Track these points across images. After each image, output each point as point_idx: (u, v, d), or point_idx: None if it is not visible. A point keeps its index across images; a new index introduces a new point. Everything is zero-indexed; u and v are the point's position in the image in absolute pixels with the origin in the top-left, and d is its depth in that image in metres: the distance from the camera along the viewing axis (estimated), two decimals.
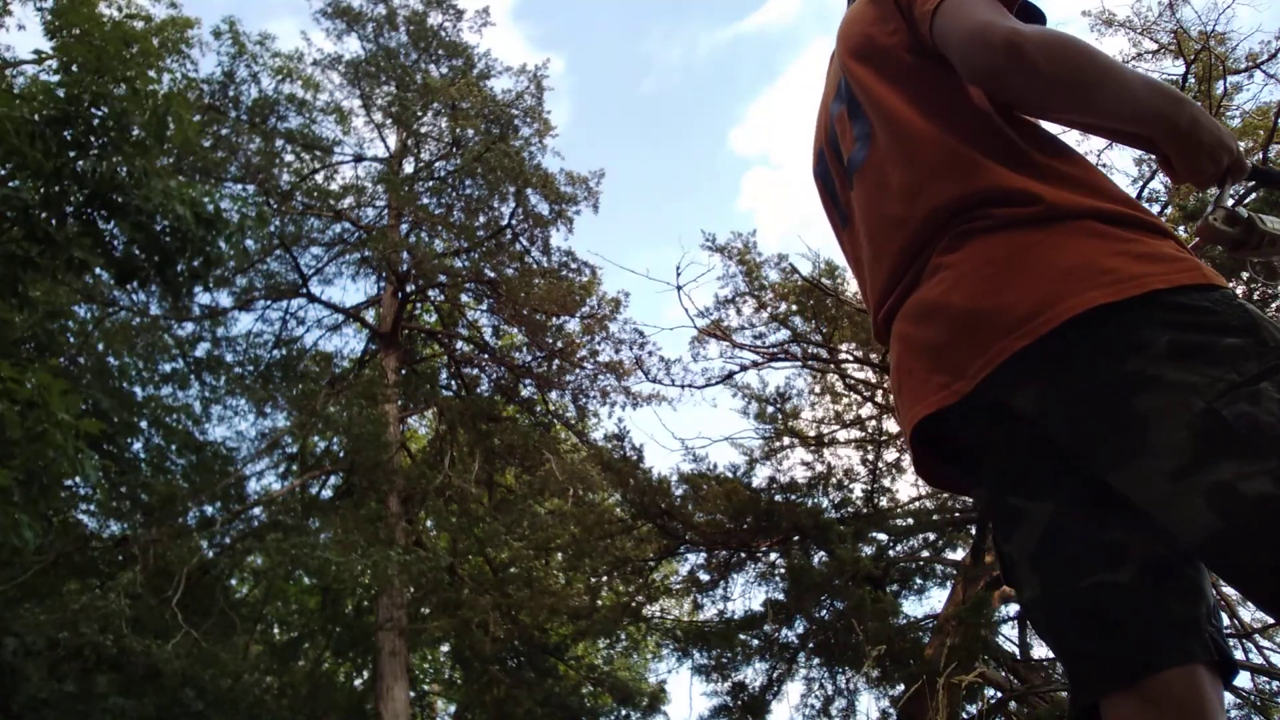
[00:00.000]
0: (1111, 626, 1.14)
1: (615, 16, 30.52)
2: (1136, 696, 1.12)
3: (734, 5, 42.41)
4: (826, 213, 1.58)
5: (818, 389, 11.24)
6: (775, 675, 10.05)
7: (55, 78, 5.77)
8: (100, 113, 5.53)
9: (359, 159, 15.25)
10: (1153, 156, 1.35)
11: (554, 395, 14.50)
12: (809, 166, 1.64)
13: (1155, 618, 1.13)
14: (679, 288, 9.69)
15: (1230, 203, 1.35)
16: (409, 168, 15.40)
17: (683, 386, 10.97)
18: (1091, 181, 1.24)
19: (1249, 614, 7.95)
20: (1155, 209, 8.41)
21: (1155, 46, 8.88)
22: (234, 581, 12.88)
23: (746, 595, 13.13)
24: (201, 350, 13.71)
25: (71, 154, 5.56)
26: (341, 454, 12.72)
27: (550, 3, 31.73)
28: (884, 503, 10.43)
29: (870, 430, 10.69)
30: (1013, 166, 1.23)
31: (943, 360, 1.23)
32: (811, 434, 10.81)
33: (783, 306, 10.01)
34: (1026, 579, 1.24)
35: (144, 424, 12.28)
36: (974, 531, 9.02)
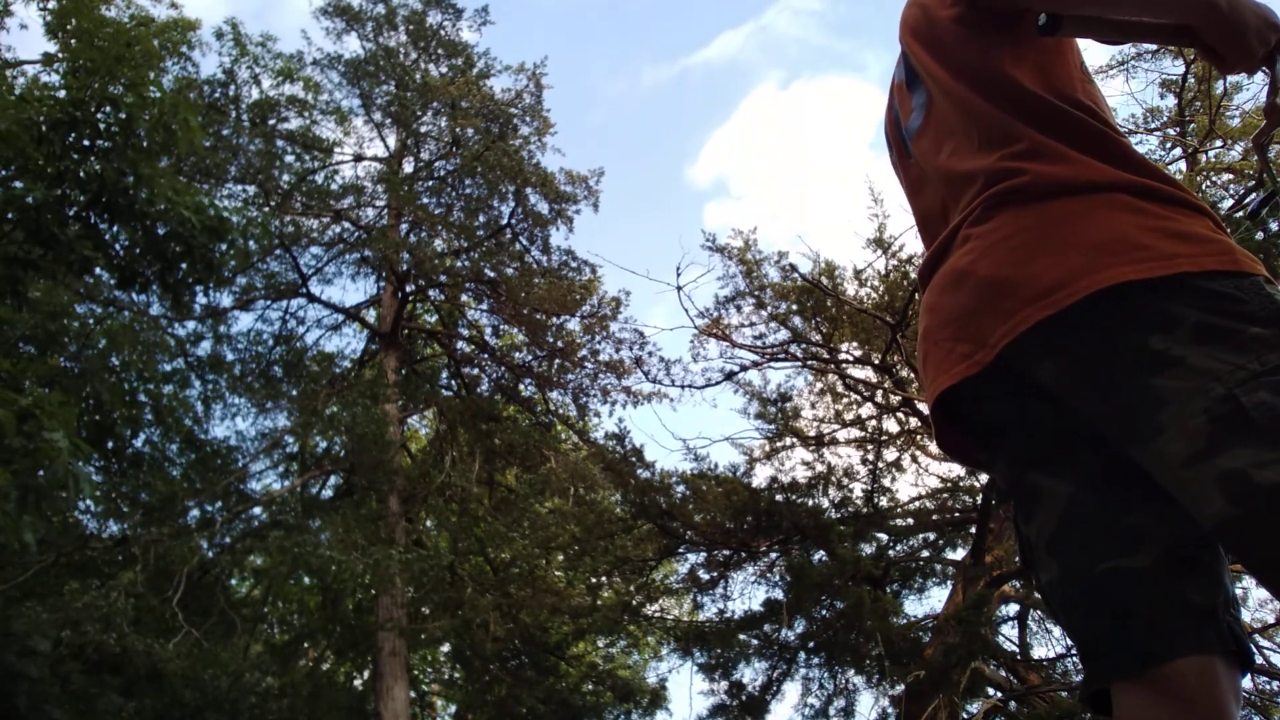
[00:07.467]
0: (1125, 613, 1.13)
1: (559, 50, 30.77)
2: (1148, 685, 1.10)
3: (680, 41, 42.70)
4: (899, 183, 1.60)
5: (818, 388, 11.24)
6: (775, 675, 10.05)
7: (59, 79, 5.77)
8: (105, 116, 5.53)
9: (359, 159, 15.26)
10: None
11: (554, 395, 14.50)
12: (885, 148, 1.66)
13: (1171, 605, 1.12)
14: (679, 288, 9.69)
15: None
16: (409, 167, 15.39)
17: (683, 387, 10.96)
18: (1128, 153, 1.22)
19: (1249, 614, 7.96)
20: None
21: (1155, 46, 8.86)
22: (234, 581, 12.87)
23: (746, 595, 13.13)
24: (202, 349, 13.73)
25: (75, 157, 5.55)
26: (342, 454, 12.71)
27: (497, 33, 31.85)
28: (884, 503, 10.41)
29: (870, 430, 10.69)
30: (1051, 136, 1.22)
31: (967, 329, 1.22)
32: (811, 434, 10.80)
33: (783, 306, 10.00)
34: (1044, 562, 1.23)
35: (147, 416, 12.26)
36: (974, 531, 9.02)
